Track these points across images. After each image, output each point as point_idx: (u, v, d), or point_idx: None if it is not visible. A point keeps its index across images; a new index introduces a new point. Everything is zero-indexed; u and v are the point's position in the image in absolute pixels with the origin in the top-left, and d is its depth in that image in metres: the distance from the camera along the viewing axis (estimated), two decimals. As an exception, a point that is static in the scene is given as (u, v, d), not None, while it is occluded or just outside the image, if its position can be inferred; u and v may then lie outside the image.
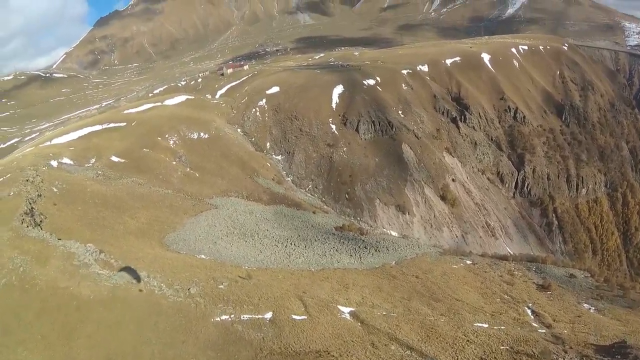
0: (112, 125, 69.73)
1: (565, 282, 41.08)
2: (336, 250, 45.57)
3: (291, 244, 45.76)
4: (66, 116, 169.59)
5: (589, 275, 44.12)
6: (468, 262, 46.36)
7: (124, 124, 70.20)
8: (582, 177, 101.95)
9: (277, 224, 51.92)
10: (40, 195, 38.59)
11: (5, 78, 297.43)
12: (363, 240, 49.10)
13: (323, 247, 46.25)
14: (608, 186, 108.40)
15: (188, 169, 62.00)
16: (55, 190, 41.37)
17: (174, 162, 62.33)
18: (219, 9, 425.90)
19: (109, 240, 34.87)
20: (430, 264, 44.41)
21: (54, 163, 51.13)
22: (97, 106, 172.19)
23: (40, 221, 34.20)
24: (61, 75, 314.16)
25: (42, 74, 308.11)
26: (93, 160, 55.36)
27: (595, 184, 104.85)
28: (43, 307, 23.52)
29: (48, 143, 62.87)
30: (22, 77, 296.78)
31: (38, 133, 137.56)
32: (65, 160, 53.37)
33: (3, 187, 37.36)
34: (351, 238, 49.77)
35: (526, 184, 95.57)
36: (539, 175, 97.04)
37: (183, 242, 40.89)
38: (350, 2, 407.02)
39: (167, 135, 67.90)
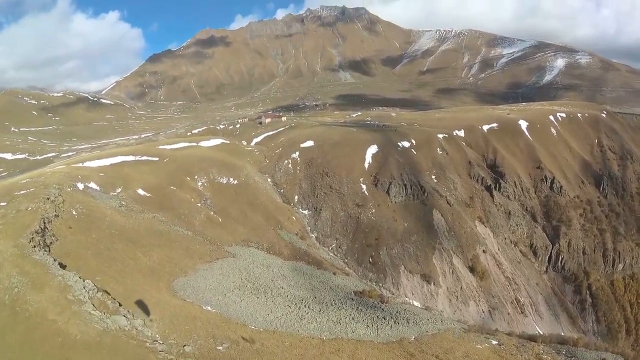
0: (144, 158, 71.47)
1: None
2: (352, 319, 42.91)
3: (305, 305, 43.54)
4: (105, 141, 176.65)
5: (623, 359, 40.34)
6: (494, 342, 42.72)
7: (157, 158, 71.87)
8: (619, 252, 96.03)
9: (294, 282, 50.01)
10: (58, 216, 38.56)
11: (56, 94, 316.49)
12: (382, 309, 46.17)
13: (339, 313, 43.70)
14: None
15: (212, 213, 61.86)
16: (74, 213, 41.43)
17: (199, 204, 62.43)
18: (265, 61, 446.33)
19: (114, 275, 34.00)
20: (452, 342, 41.04)
21: (80, 185, 51.95)
22: (136, 136, 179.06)
23: (50, 243, 33.86)
24: (108, 101, 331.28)
25: (90, 97, 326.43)
26: (119, 190, 56.05)
27: (633, 258, 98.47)
28: (27, 334, 22.48)
29: (80, 164, 64.51)
30: (71, 96, 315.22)
31: (75, 152, 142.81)
32: (92, 184, 54.30)
33: (23, 201, 37.49)
34: (370, 305, 47.00)
35: (560, 258, 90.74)
36: (574, 249, 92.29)
37: (192, 289, 39.39)
38: (391, 64, 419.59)
39: (196, 176, 68.83)
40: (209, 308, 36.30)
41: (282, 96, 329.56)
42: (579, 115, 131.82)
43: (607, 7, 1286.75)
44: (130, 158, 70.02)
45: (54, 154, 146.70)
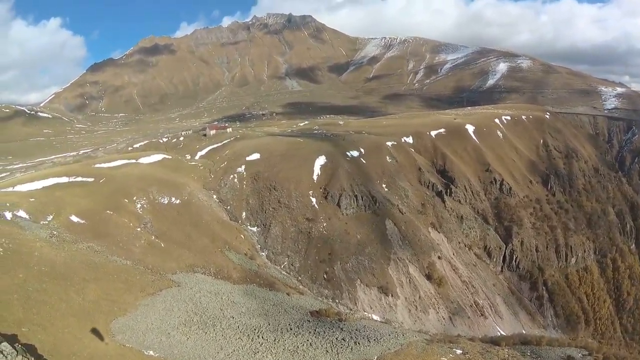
0: (79, 179, 64.96)
1: None
2: (310, 344, 39.41)
3: (259, 336, 39.52)
4: (41, 159, 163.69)
5: (587, 353, 39.08)
6: (458, 351, 40.71)
7: (92, 179, 65.52)
8: (571, 246, 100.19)
9: (245, 309, 45.81)
10: None
11: None
12: (341, 329, 43.12)
13: (295, 340, 40.05)
14: (597, 253, 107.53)
15: (153, 237, 56.32)
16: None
17: (139, 229, 56.75)
18: (211, 69, 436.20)
19: (44, 323, 29.17)
20: (416, 358, 38.68)
21: (8, 215, 46.43)
22: (74, 153, 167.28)
23: None
24: (46, 114, 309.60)
25: (27, 110, 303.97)
26: (50, 217, 50.18)
27: (585, 251, 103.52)
28: None
29: (10, 189, 58.02)
30: (7, 110, 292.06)
31: (8, 173, 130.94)
32: (21, 213, 48.45)
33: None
34: (328, 326, 43.75)
35: (514, 258, 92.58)
36: (527, 248, 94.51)
37: (132, 330, 34.55)
38: (337, 71, 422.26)
39: (135, 198, 62.79)
40: (151, 353, 32.07)
41: (228, 106, 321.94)
42: (523, 117, 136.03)
43: (545, 14, 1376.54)
44: (64, 180, 63.48)
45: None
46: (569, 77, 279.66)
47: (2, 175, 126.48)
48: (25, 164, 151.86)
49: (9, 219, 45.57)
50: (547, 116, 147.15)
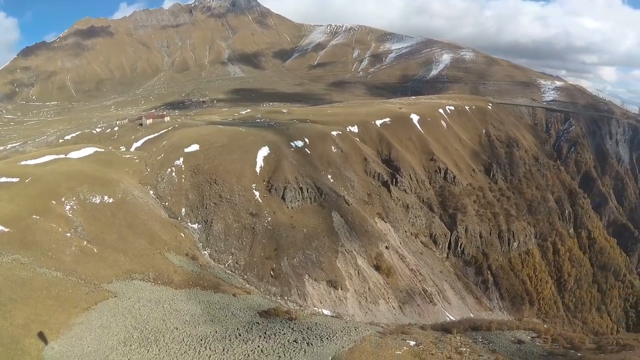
0: (2, 179, 58.71)
1: (516, 353, 36.39)
2: (262, 351, 36.85)
3: (205, 347, 36.51)
4: None
5: (536, 335, 40.52)
6: (412, 343, 40.17)
7: (17, 179, 59.11)
8: (513, 232, 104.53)
9: (190, 316, 42.49)
10: None
11: None
12: (292, 329, 41.08)
13: (245, 347, 37.30)
14: (538, 237, 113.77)
15: (85, 243, 51.16)
16: None
17: (68, 234, 51.36)
18: (150, 53, 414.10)
19: None
20: (371, 355, 37.28)
21: None
22: (1, 148, 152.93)
23: None
24: None
25: None
26: None
27: (526, 236, 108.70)
28: None
29: None
30: None
31: None
32: None
33: None
34: (278, 327, 41.55)
35: (459, 244, 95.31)
36: (472, 234, 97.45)
37: (66, 358, 31.08)
38: (282, 58, 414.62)
39: (63, 199, 56.86)
40: None
41: (167, 92, 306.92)
42: (466, 107, 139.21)
43: (490, 9, 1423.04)
44: None
45: None
46: (510, 69, 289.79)
47: None
48: None
49: None
50: (490, 107, 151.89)
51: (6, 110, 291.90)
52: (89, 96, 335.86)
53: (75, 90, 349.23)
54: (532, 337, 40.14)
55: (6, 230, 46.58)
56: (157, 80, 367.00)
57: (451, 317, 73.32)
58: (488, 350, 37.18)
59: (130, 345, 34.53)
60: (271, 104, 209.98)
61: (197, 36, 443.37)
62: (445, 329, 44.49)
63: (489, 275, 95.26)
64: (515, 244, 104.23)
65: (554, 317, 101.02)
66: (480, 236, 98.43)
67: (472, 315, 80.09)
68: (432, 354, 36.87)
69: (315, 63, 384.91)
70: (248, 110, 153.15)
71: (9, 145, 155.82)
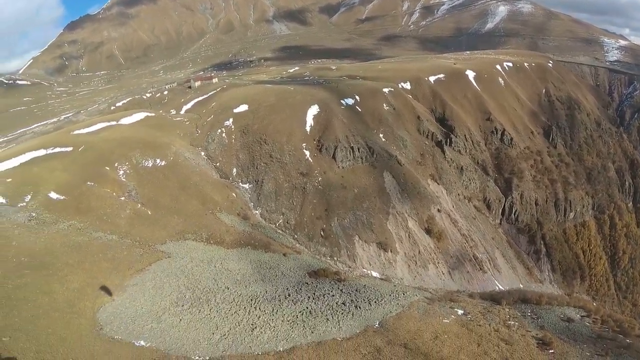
0: (57, 150, 59.65)
1: (564, 332, 34.74)
2: (309, 313, 36.62)
3: (255, 307, 36.50)
4: (21, 130, 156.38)
5: (585, 314, 38.30)
6: (459, 312, 38.78)
7: (70, 148, 60.13)
8: (570, 201, 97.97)
9: (241, 276, 42.64)
10: None
11: None
12: (341, 291, 40.63)
13: (294, 308, 37.17)
14: (595, 209, 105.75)
15: (139, 206, 52.02)
16: None
17: (123, 198, 52.31)
18: (194, 17, 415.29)
19: (25, 327, 26.17)
20: (418, 322, 36.23)
21: None
22: (55, 119, 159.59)
23: None
24: (25, 82, 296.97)
25: (4, 81, 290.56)
26: (28, 198, 45.93)
27: (583, 207, 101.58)
28: None
29: None
30: None
31: None
32: None
33: None
34: (327, 288, 41.16)
35: (514, 211, 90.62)
36: (527, 201, 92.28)
37: (120, 319, 31.28)
38: (328, 13, 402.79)
39: (116, 164, 57.69)
40: (142, 343, 29.03)
41: (214, 54, 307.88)
42: (525, 64, 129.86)
43: None
44: (41, 152, 58.23)
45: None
46: (571, 24, 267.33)
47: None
48: (5, 138, 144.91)
49: (-16, 206, 41.41)
50: (550, 64, 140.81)
51: (57, 83, 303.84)
52: (138, 63, 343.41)
53: (123, 58, 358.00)
54: (581, 316, 37.99)
55: (62, 198, 47.66)
56: (203, 42, 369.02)
57: (500, 287, 70.88)
58: (536, 325, 35.64)
59: (182, 306, 34.77)
60: (319, 60, 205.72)
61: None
62: (494, 299, 43.00)
63: (542, 246, 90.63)
64: (572, 215, 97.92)
65: (604, 295, 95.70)
66: (536, 203, 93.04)
67: (521, 286, 76.99)
68: (479, 325, 35.47)
69: (363, 17, 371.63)
70: (296, 68, 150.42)
71: (63, 116, 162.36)
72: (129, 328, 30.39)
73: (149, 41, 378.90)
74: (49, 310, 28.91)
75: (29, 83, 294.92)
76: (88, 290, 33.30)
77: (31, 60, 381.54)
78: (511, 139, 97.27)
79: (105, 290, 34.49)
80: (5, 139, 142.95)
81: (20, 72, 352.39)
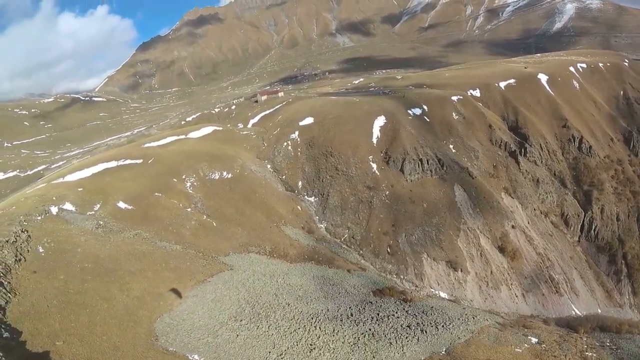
0: (127, 162, 62.89)
1: None
2: (372, 335, 34.89)
3: (315, 326, 35.30)
4: (97, 143, 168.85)
5: None
6: (533, 340, 35.70)
7: (140, 160, 63.25)
8: None
9: (302, 292, 41.71)
10: (20, 260, 31.75)
11: (46, 100, 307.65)
12: (407, 312, 38.58)
13: (356, 329, 35.60)
14: None
15: (204, 217, 53.24)
16: (41, 250, 34.38)
17: (189, 209, 53.76)
18: (259, 33, 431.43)
19: (81, 332, 26.57)
20: (489, 350, 33.57)
21: (54, 209, 44.31)
22: (128, 133, 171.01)
23: (6, 302, 26.77)
24: (101, 99, 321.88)
25: (82, 97, 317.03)
26: (97, 207, 47.98)
27: None
28: None
29: (60, 179, 56.71)
30: (62, 100, 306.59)
31: (65, 161, 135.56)
32: (67, 205, 46.32)
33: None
34: (392, 309, 39.25)
35: (594, 227, 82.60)
36: (608, 216, 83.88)
37: (176, 331, 31.09)
38: (390, 22, 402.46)
39: (184, 176, 59.88)
40: (195, 357, 28.70)
41: (279, 69, 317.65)
42: (600, 65, 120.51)
43: None
44: (113, 164, 61.40)
45: (44, 166, 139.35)
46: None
47: (60, 163, 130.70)
48: (81, 150, 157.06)
49: (55, 213, 43.58)
50: (626, 63, 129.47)
51: (131, 100, 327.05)
52: (207, 79, 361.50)
53: (193, 75, 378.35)
54: (665, 348, 33.69)
55: (130, 207, 49.32)
56: (268, 58, 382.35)
57: (577, 311, 65.83)
58: (616, 357, 32.46)
59: (241, 321, 34.11)
60: (384, 71, 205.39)
61: (302, 11, 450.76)
62: (571, 325, 39.71)
63: (623, 266, 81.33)
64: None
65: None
66: (618, 219, 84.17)
67: (599, 310, 70.47)
68: (554, 356, 32.68)
69: (426, 25, 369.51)
70: (361, 79, 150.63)
71: (135, 130, 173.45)
72: (184, 340, 30.17)
73: (217, 58, 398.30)
74: (106, 316, 29.28)
75: (104, 100, 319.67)
76: (147, 299, 33.62)
77: (107, 79, 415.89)
78: (590, 147, 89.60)
79: (165, 300, 34.63)
80: (81, 150, 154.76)
81: (97, 89, 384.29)
